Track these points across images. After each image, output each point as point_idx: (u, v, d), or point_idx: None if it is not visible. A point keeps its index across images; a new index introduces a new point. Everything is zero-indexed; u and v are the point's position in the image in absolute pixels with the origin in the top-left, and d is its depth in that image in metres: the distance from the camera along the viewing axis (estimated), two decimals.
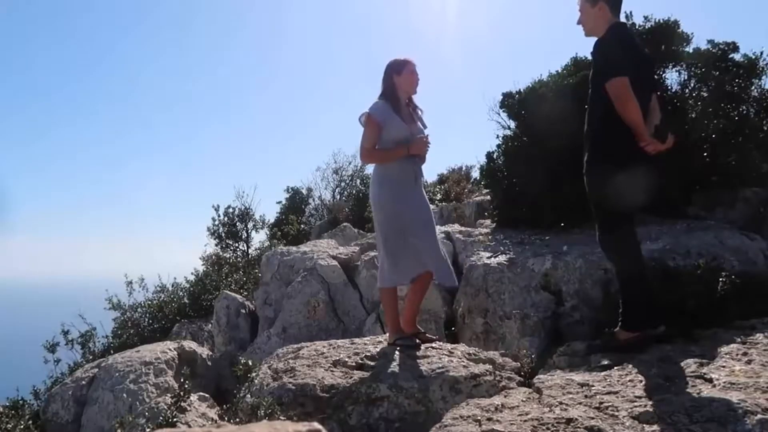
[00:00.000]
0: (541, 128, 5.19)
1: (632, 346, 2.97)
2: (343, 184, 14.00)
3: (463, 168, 11.47)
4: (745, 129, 4.93)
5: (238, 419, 3.15)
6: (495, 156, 5.94)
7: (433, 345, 3.60)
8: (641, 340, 2.98)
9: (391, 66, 3.62)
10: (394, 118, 3.54)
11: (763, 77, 5.24)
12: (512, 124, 5.88)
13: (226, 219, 11.20)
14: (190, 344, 5.40)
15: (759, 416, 2.07)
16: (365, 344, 3.69)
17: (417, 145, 3.57)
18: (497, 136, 5.98)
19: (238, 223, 11.24)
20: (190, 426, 3.65)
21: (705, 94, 5.18)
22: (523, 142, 5.51)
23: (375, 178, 3.64)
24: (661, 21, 5.25)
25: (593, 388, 2.59)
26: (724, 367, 2.61)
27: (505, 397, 2.78)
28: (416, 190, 3.61)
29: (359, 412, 2.95)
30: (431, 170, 15.03)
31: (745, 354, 2.74)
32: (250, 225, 11.32)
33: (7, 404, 4.92)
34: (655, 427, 2.12)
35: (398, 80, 3.59)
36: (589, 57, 3.21)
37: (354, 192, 12.90)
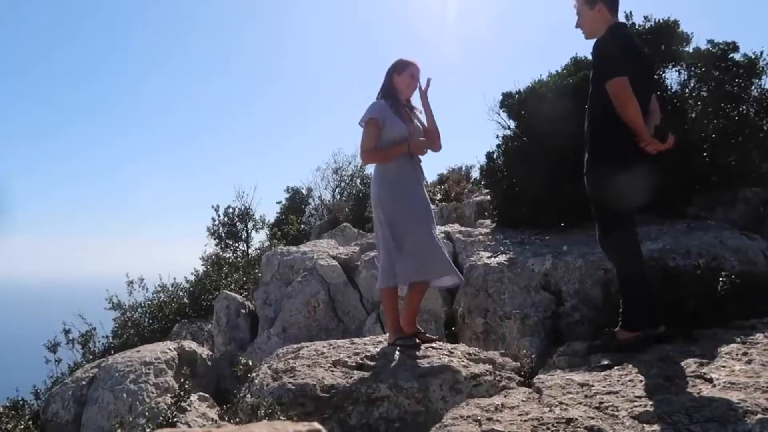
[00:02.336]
0: (541, 128, 5.19)
1: (632, 346, 2.97)
2: (343, 184, 14.00)
3: (463, 168, 11.48)
4: (745, 129, 4.92)
5: (238, 419, 3.15)
6: (495, 156, 5.94)
7: (433, 345, 3.60)
8: (641, 340, 2.99)
9: (394, 65, 3.64)
10: (394, 117, 3.54)
11: (763, 77, 5.23)
12: (512, 124, 5.88)
13: (226, 219, 11.20)
14: (190, 344, 5.40)
15: (759, 416, 2.07)
16: (365, 344, 3.69)
17: (418, 144, 3.58)
18: (497, 136, 5.98)
19: (238, 223, 11.24)
20: (190, 426, 3.65)
21: (705, 94, 5.18)
22: (523, 142, 5.51)
23: (375, 178, 3.65)
24: (661, 21, 5.25)
25: (593, 388, 2.59)
26: (724, 367, 2.61)
27: (505, 397, 2.78)
28: (417, 190, 3.61)
29: (359, 412, 2.95)
30: (431, 170, 15.03)
31: (745, 354, 2.74)
32: (250, 225, 11.33)
33: (7, 404, 4.92)
34: (655, 427, 2.12)
35: (397, 80, 3.61)
36: (590, 57, 3.21)
37: (354, 192, 12.90)
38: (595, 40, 3.07)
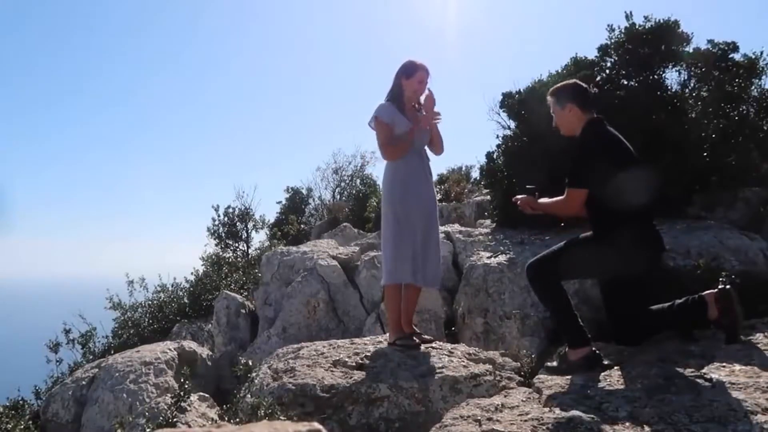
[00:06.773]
0: (541, 128, 5.18)
1: (583, 364, 2.93)
2: (343, 184, 14.01)
3: (463, 168, 11.50)
4: (745, 129, 4.92)
5: (238, 419, 3.15)
6: (495, 156, 5.94)
7: (433, 345, 3.61)
8: (589, 358, 2.95)
9: (403, 68, 3.67)
10: (400, 117, 3.63)
11: (763, 77, 5.23)
12: (512, 124, 5.88)
13: (226, 219, 11.21)
14: (190, 344, 5.40)
15: (759, 416, 2.07)
16: (365, 344, 3.69)
17: (425, 118, 3.62)
18: (497, 136, 5.99)
19: (238, 223, 11.24)
20: (190, 426, 3.65)
21: (705, 94, 5.17)
22: (523, 142, 5.51)
23: (387, 175, 3.71)
24: (661, 21, 5.24)
25: (593, 388, 2.59)
26: (724, 367, 2.61)
27: (505, 397, 2.78)
28: (426, 188, 3.69)
29: (359, 412, 2.95)
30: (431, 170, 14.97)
31: (745, 354, 2.74)
32: (250, 225, 11.33)
33: (7, 404, 4.91)
34: (655, 427, 2.12)
35: (405, 84, 3.65)
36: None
37: (354, 192, 12.90)
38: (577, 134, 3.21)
